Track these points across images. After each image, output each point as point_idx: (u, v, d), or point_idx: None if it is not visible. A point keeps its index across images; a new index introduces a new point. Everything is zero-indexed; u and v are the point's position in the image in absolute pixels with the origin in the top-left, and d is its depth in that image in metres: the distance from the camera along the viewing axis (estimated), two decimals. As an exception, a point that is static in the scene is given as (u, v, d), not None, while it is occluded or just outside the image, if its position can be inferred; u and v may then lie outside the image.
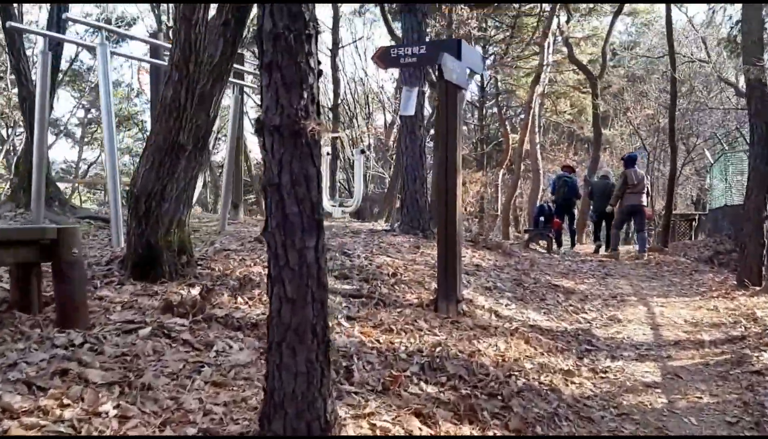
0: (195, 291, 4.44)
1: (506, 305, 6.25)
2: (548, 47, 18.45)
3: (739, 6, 9.19)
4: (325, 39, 23.63)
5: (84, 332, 3.36)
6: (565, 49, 24.60)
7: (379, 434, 2.82)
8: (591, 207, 14.32)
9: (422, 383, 3.63)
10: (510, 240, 16.35)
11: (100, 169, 29.53)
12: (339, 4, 22.95)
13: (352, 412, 2.99)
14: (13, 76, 14.30)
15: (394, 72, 16.49)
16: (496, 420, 3.39)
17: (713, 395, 4.54)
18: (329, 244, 6.98)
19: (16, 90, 10.88)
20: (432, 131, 15.35)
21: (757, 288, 7.89)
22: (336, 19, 21.81)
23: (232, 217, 10.44)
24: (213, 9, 4.71)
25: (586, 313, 6.87)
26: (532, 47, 24.22)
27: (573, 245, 14.22)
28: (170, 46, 5.00)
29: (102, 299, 4.03)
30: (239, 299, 4.41)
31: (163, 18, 21.38)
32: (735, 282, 8.68)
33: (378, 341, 4.34)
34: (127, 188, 5.23)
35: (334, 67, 22.56)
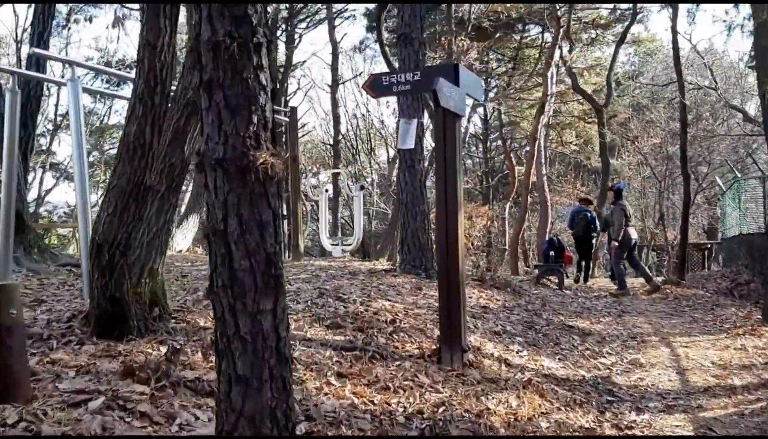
0: (165, 349, 3.95)
1: (517, 352, 5.71)
2: (551, 77, 18.14)
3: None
4: (326, 76, 23.46)
5: (21, 408, 2.86)
6: (568, 80, 24.36)
7: None
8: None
9: (421, 458, 3.10)
10: (519, 275, 15.79)
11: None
12: (338, 41, 22.88)
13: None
14: None
15: (395, 105, 16.16)
16: (510, 504, 2.85)
17: (757, 456, 3.98)
18: (324, 287, 6.48)
19: None
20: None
21: (786, 324, 7.33)
22: (335, 55, 21.65)
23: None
24: (185, 36, 4.31)
25: (605, 357, 6.31)
26: (535, 79, 23.99)
27: (587, 279, 13.64)
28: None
29: (55, 363, 3.53)
30: (215, 359, 3.89)
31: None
32: (760, 317, 8.11)
33: (372, 401, 3.82)
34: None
35: (335, 104, 22.32)
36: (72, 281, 6.54)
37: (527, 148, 30.28)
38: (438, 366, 4.66)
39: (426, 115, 9.65)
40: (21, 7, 20.50)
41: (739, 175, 16.34)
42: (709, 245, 21.13)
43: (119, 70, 24.11)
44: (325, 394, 3.78)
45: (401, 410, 3.75)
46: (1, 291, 2.95)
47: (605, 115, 19.40)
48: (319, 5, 22.98)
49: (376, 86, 5.00)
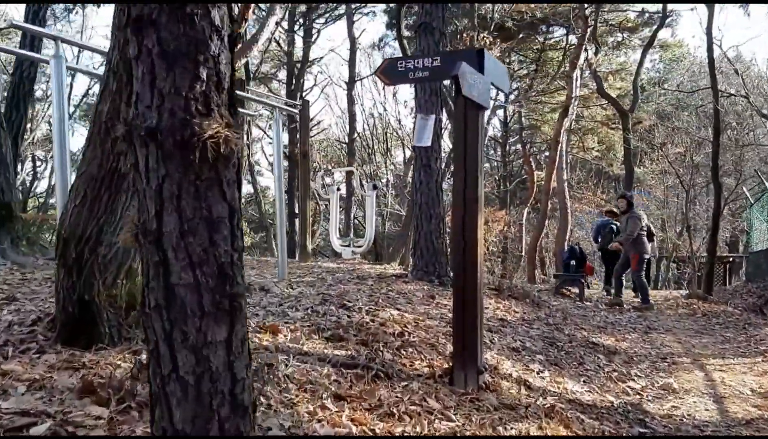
0: (144, 356, 3.46)
1: (538, 372, 5.15)
2: (576, 80, 17.49)
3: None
4: (343, 73, 23.01)
5: (-53, 434, 2.38)
6: (592, 84, 23.68)
7: None
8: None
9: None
10: (536, 284, 15.20)
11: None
12: (356, 38, 22.38)
13: None
14: None
15: (412, 103, 15.61)
16: None
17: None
18: (328, 293, 5.96)
19: None
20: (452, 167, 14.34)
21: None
22: (353, 51, 21.18)
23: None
24: None
25: (634, 380, 5.73)
26: (558, 82, 23.36)
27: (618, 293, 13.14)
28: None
29: (6, 375, 3.04)
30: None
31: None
32: (799, 339, 7.52)
33: (374, 430, 3.29)
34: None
35: (351, 101, 21.84)
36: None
37: (547, 153, 29.65)
38: (450, 388, 4.12)
39: (445, 113, 9.10)
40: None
41: (769, 187, 15.64)
42: (731, 258, 20.44)
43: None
44: (319, 420, 3.26)
45: (406, 442, 3.23)
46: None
47: (630, 120, 18.75)
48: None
49: (390, 72, 4.47)
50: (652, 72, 33.31)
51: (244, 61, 14.61)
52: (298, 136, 11.56)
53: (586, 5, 16.62)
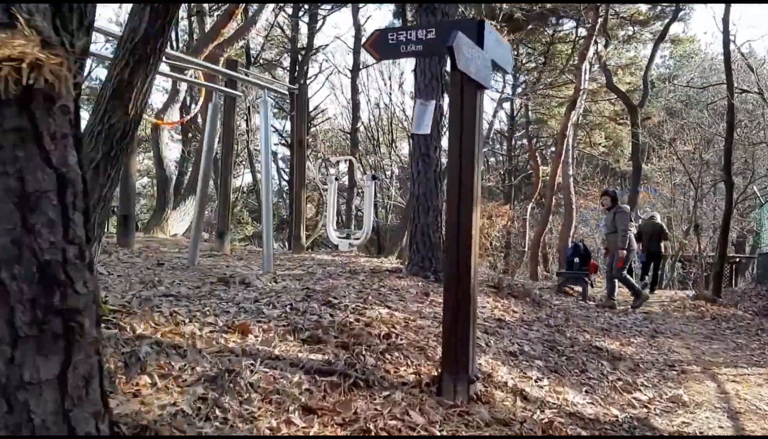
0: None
1: (536, 381, 4.72)
2: (585, 72, 16.96)
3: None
4: (349, 62, 22.52)
5: None
6: (600, 78, 23.14)
7: None
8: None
9: None
10: (539, 281, 14.76)
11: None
12: (362, 25, 21.87)
13: None
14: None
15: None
16: None
17: None
18: (313, 288, 5.54)
19: None
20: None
21: None
22: (358, 38, 20.67)
23: (216, 248, 9.09)
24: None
25: (641, 391, 5.29)
26: (566, 76, 22.83)
27: (653, 289, 12.97)
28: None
29: None
30: (142, 380, 2.98)
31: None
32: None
33: (346, 450, 2.88)
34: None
35: (355, 90, 21.36)
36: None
37: (553, 148, 29.15)
38: (437, 399, 3.70)
39: (446, 99, 8.65)
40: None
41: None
42: (738, 259, 20.00)
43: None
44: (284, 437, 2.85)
45: (382, 465, 2.81)
46: None
47: (639, 115, 18.25)
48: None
49: (380, 45, 4.03)
50: (662, 68, 32.67)
51: (242, 43, 14.14)
52: (294, 121, 11.15)
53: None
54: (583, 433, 3.92)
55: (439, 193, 7.16)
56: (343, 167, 25.04)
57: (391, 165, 27.89)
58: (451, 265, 3.88)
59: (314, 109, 24.64)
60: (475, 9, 18.75)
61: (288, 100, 18.83)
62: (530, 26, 22.05)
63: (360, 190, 18.91)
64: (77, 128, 0.93)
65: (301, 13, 21.72)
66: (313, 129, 25.72)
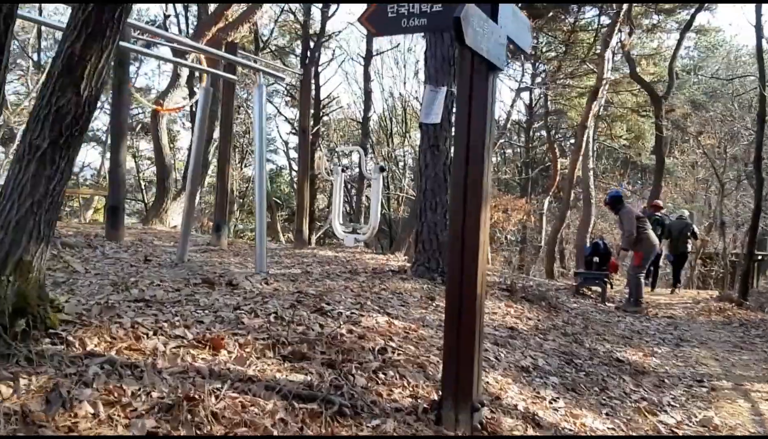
0: (23, 382, 2.60)
1: (551, 402, 4.19)
2: (608, 61, 16.26)
3: None
4: (361, 47, 21.94)
5: None
6: (623, 68, 22.39)
7: None
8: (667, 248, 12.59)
9: None
10: (554, 280, 14.18)
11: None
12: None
13: None
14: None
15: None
16: None
17: None
18: (305, 293, 5.04)
19: None
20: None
21: None
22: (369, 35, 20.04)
23: (212, 242, 8.62)
24: None
25: (667, 412, 4.74)
26: (587, 65, 22.11)
27: (675, 286, 12.73)
28: None
29: None
30: (82, 410, 2.50)
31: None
32: None
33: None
34: None
35: (367, 78, 20.79)
36: None
37: (572, 140, 28.41)
38: (436, 429, 3.19)
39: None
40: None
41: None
42: (759, 256, 19.32)
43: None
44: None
45: None
46: None
47: (663, 107, 17.53)
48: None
49: (378, 19, 3.49)
50: (685, 59, 31.74)
51: (248, 27, 13.63)
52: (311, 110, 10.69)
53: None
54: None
55: (448, 188, 6.63)
56: (355, 158, 24.57)
57: (404, 156, 27.33)
58: (454, 274, 3.35)
59: (326, 97, 24.09)
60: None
61: (299, 89, 18.37)
62: (551, 13, 21.35)
63: (369, 182, 18.44)
64: None
65: (314, -2, 21.15)
66: (326, 118, 25.22)
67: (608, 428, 4.10)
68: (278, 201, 26.58)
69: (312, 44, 21.52)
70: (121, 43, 6.57)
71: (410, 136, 26.74)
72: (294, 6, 21.27)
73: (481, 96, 3.18)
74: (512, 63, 24.45)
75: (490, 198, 3.47)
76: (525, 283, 8.26)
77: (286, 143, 28.47)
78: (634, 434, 4.14)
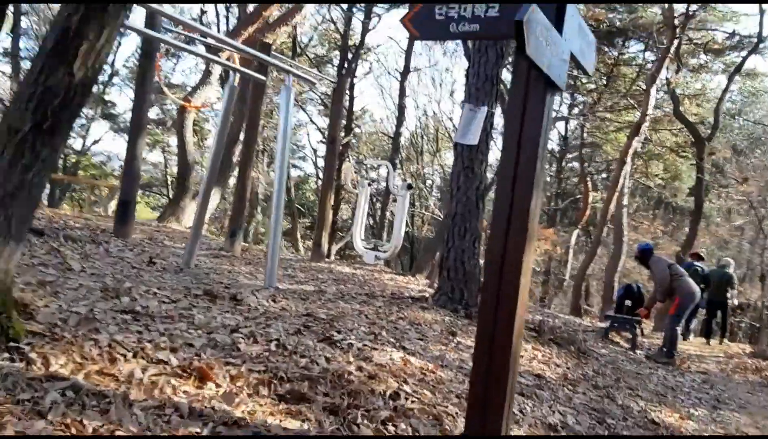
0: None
1: (582, 473, 3.67)
2: (653, 97, 15.68)
3: None
4: (399, 63, 21.64)
5: None
6: (664, 106, 21.74)
7: None
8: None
9: None
10: (580, 318, 13.53)
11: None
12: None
13: None
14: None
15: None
16: None
17: None
18: (315, 316, 4.58)
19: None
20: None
21: None
22: (411, 41, 19.73)
23: (226, 248, 8.21)
24: None
25: (710, 493, 4.18)
26: (627, 100, 21.54)
27: (723, 337, 12.25)
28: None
29: None
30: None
31: None
32: None
33: None
34: None
35: (402, 93, 20.43)
36: None
37: (604, 175, 27.70)
38: (450, 504, 2.70)
39: (498, 105, 7.61)
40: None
41: None
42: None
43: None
44: None
45: None
46: None
47: (707, 149, 16.86)
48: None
49: (422, 21, 3.03)
50: (728, 103, 30.92)
51: (286, 30, 13.32)
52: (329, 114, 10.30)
53: (677, 10, 14.76)
54: None
55: (480, 214, 6.15)
56: (383, 172, 24.08)
57: (432, 174, 26.88)
58: (488, 305, 2.85)
59: (360, 109, 23.79)
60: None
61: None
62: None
63: (394, 198, 18.01)
64: None
65: (356, 9, 20.89)
66: (357, 130, 24.91)
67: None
68: (301, 208, 26.26)
69: (350, 55, 21.23)
70: (148, 31, 6.25)
71: (440, 156, 26.31)
72: (335, 15, 21.06)
73: (536, 117, 2.71)
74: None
75: (536, 237, 2.96)
76: (553, 322, 7.71)
77: (315, 152, 28.19)
78: None
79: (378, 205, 22.24)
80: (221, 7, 20.67)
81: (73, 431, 2.27)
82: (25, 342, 2.70)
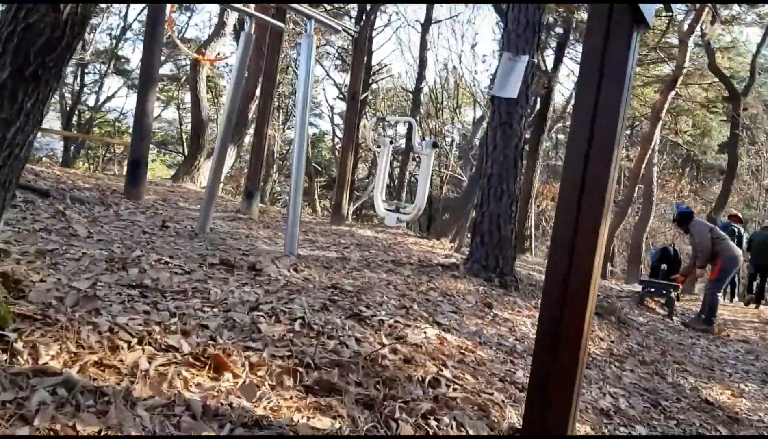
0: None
1: (642, 467, 3.27)
2: (690, 49, 14.87)
3: None
4: (419, 14, 20.82)
5: None
6: (697, 59, 20.81)
7: None
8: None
9: None
10: (608, 280, 13.09)
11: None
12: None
13: None
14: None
15: (491, 58, 13.08)
16: None
17: None
18: (341, 288, 4.18)
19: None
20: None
21: None
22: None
23: (242, 210, 7.81)
24: None
25: (778, 485, 3.79)
26: (656, 53, 20.64)
27: (759, 302, 11.68)
28: None
29: None
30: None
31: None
32: None
33: None
34: None
35: (423, 46, 19.69)
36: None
37: (628, 131, 26.82)
38: None
39: (539, 53, 7.04)
40: None
41: None
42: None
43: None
44: None
45: None
46: None
47: (742, 104, 16.09)
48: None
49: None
50: (760, 58, 29.70)
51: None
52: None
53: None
54: None
55: (518, 174, 5.67)
56: (402, 129, 23.43)
57: (452, 132, 26.21)
58: (554, 287, 2.40)
59: (377, 64, 23.05)
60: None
61: (350, 52, 17.43)
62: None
63: (417, 157, 17.41)
64: None
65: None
66: (374, 85, 24.22)
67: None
68: (318, 167, 25.80)
69: (368, 6, 20.42)
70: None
71: (460, 112, 25.59)
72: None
73: (619, 59, 2.22)
74: (574, 44, 23.09)
75: (611, 206, 2.49)
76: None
77: (332, 108, 27.57)
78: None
79: (396, 164, 21.67)
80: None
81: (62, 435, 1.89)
82: (11, 328, 2.31)
